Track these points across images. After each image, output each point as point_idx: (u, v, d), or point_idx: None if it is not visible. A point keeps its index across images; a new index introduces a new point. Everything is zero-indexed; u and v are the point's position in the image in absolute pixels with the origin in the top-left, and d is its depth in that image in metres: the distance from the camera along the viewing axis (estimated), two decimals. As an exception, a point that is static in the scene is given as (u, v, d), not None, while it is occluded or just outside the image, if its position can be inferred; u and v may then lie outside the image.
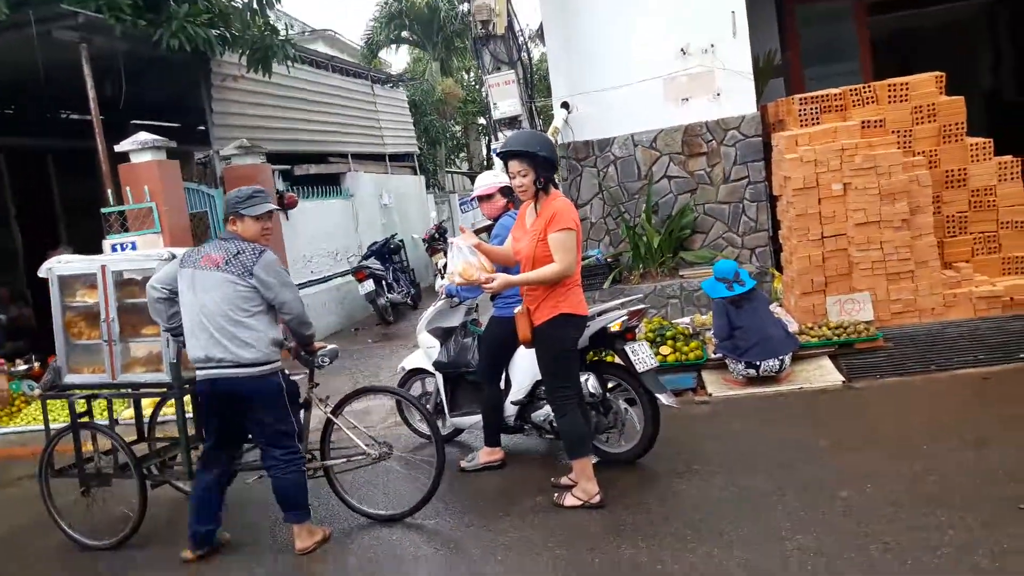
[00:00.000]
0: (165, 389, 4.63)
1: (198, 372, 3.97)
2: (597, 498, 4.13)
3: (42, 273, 4.79)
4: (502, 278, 3.96)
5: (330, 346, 4.47)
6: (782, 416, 5.25)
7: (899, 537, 3.36)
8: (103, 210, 8.08)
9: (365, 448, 4.32)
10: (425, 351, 5.44)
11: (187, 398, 4.50)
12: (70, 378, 4.76)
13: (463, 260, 4.06)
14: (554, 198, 4.13)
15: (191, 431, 4.58)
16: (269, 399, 3.97)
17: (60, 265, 4.77)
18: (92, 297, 4.69)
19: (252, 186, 4.29)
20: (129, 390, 4.78)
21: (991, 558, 3.10)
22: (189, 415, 4.57)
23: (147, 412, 5.17)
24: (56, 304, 4.75)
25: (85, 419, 4.66)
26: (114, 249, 7.82)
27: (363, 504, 4.49)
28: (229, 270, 3.87)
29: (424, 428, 5.69)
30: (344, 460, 4.42)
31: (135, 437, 4.91)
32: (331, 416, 4.40)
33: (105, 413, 4.84)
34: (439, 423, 5.59)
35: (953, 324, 6.12)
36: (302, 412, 4.35)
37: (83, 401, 4.63)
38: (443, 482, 4.80)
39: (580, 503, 4.14)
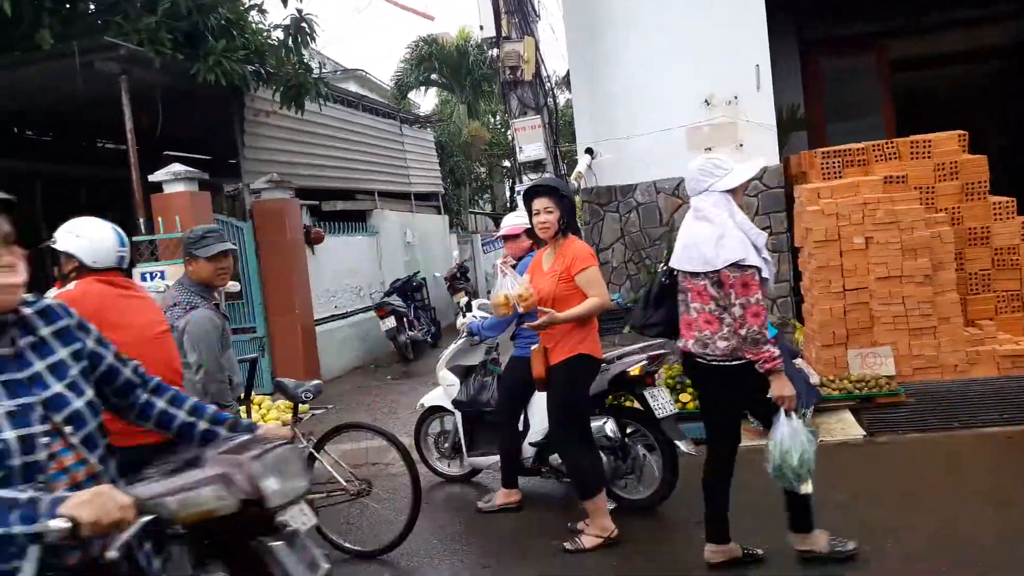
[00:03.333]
0: None
1: None
2: (614, 533, 4.16)
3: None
4: (549, 315, 4.02)
5: (314, 381, 4.56)
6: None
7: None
8: (134, 239, 8.24)
9: (344, 484, 4.38)
10: (445, 389, 5.48)
11: None
12: None
13: (520, 282, 4.13)
14: (573, 241, 4.26)
15: None
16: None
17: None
18: None
19: (206, 225, 4.28)
20: None
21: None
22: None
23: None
24: None
25: None
26: (143, 278, 7.96)
27: (343, 539, 4.53)
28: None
29: (441, 466, 5.72)
30: (324, 495, 4.44)
31: None
32: (313, 451, 4.44)
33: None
34: (458, 462, 5.63)
35: (976, 382, 6.09)
36: None
37: None
38: (459, 522, 4.84)
39: (600, 540, 4.15)
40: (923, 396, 5.99)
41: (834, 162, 7.14)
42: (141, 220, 8.36)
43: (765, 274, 3.51)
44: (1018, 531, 3.86)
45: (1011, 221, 6.72)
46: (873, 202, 6.38)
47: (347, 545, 4.50)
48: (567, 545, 4.22)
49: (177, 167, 8.37)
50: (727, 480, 3.75)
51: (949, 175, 6.86)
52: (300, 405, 4.64)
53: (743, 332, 3.41)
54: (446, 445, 5.65)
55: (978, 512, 4.14)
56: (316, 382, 4.64)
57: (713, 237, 3.48)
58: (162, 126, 8.74)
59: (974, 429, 5.57)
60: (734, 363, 3.52)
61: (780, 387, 3.44)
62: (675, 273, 3.75)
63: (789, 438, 3.42)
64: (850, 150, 7.17)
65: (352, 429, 4.81)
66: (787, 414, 3.46)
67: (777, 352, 3.41)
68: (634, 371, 4.64)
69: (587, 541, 4.19)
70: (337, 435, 4.59)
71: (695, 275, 3.58)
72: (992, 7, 9.33)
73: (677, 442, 4.50)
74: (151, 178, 8.33)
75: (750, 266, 3.43)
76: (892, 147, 7.07)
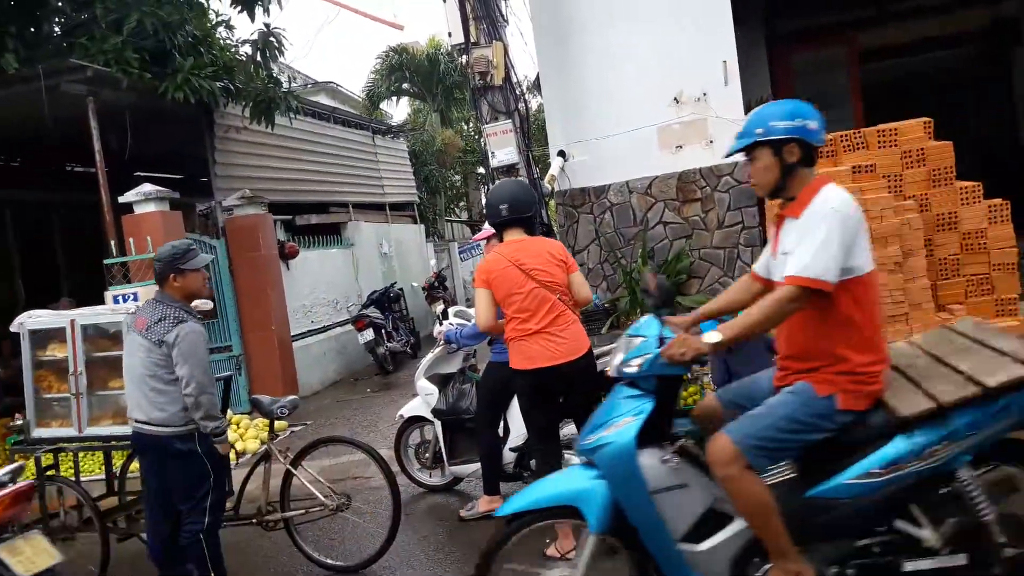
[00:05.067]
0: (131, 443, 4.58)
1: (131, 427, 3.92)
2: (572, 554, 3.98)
3: (14, 328, 4.85)
4: None
5: (290, 397, 4.55)
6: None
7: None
8: (106, 261, 8.16)
9: (323, 499, 4.36)
10: (423, 398, 5.46)
11: None
12: (38, 432, 4.77)
13: None
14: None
15: None
16: (179, 461, 3.85)
17: (31, 320, 4.83)
18: (62, 351, 4.72)
19: (180, 240, 4.33)
20: (98, 443, 4.76)
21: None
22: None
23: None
24: (26, 358, 4.81)
25: (51, 473, 4.65)
26: (116, 300, 7.87)
27: (323, 555, 4.50)
28: (147, 336, 3.79)
29: (423, 477, 5.69)
30: (303, 512, 4.42)
31: (105, 491, 4.90)
32: (290, 468, 4.42)
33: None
34: (439, 471, 5.60)
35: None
36: (261, 464, 4.44)
37: (49, 455, 4.63)
38: (442, 532, 4.82)
39: (558, 555, 4.06)
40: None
41: (803, 155, 7.19)
42: (112, 242, 8.28)
43: None
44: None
45: (978, 205, 6.78)
46: (842, 193, 6.42)
47: (328, 561, 4.48)
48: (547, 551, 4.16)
49: (148, 187, 8.31)
50: None
51: (916, 162, 6.92)
52: (277, 421, 4.61)
53: None
54: (427, 455, 5.62)
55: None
56: (292, 397, 4.62)
57: None
58: (131, 146, 8.68)
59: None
60: None
61: None
62: None
63: None
64: (818, 142, 7.21)
65: (330, 443, 4.77)
66: None
67: None
68: (610, 370, 4.63)
69: (549, 551, 4.12)
70: (314, 450, 4.56)
71: None
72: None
73: (657, 440, 4.48)
74: (121, 199, 8.26)
75: None
76: (859, 137, 7.12)
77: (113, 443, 4.69)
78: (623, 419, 2.91)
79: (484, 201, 4.52)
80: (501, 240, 4.38)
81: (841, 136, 7.18)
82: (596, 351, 4.78)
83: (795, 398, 2.82)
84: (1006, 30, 10.04)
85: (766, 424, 2.79)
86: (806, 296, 2.74)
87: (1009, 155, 10.82)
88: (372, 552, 4.39)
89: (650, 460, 2.85)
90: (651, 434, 2.90)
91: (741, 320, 2.85)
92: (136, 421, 3.89)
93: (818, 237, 2.78)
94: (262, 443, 5.89)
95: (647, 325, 3.09)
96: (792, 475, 2.87)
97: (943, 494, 2.76)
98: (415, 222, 16.71)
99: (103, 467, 5.07)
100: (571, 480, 3.04)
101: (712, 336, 2.77)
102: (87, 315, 4.84)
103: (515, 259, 4.06)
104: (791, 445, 2.81)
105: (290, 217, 11.48)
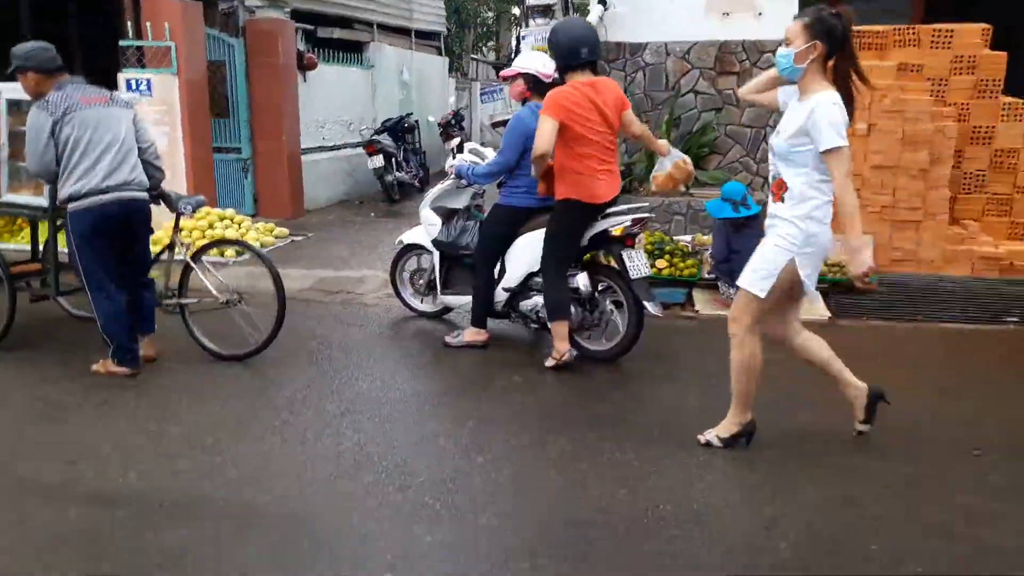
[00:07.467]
0: (42, 212, 4.93)
1: (107, 196, 4.21)
2: (564, 357, 4.59)
3: None
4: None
5: (197, 196, 4.86)
6: (764, 340, 5.33)
7: (855, 467, 3.51)
8: (121, 43, 7.95)
9: (215, 293, 4.66)
10: (426, 227, 5.48)
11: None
12: None
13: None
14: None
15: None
16: (149, 220, 4.53)
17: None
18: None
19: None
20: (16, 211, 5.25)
21: (939, 498, 3.25)
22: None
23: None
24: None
25: None
26: (128, 85, 7.74)
27: (209, 341, 4.79)
28: (120, 105, 4.39)
29: (414, 302, 5.82)
30: (196, 300, 4.75)
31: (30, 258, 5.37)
32: (190, 261, 4.71)
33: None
34: (431, 299, 5.72)
35: (948, 279, 6.18)
36: (165, 253, 4.81)
37: None
38: (427, 352, 5.00)
39: (556, 360, 4.61)
40: (894, 287, 6.08)
41: (850, 42, 6.89)
42: (129, 23, 8.03)
43: None
44: (952, 418, 4.03)
45: (1018, 123, 6.59)
46: (882, 89, 6.21)
47: (212, 347, 4.78)
48: (547, 363, 4.67)
49: (170, -30, 7.95)
50: None
51: (966, 69, 6.66)
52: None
53: None
54: (421, 282, 5.73)
55: (919, 399, 4.29)
56: (199, 197, 4.89)
57: None
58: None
59: (936, 323, 5.69)
60: None
61: None
62: None
63: None
64: (868, 32, 6.90)
65: (224, 244, 5.63)
66: None
67: None
68: (616, 231, 4.65)
69: (555, 353, 4.63)
70: (211, 248, 5.05)
71: None
72: None
73: (645, 303, 4.58)
74: (142, -21, 7.92)
75: None
76: (912, 33, 6.81)
77: (25, 211, 5.14)
78: None
79: (553, 39, 4.45)
80: (531, 87, 4.72)
81: (894, 30, 6.86)
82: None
83: None
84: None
85: None
86: None
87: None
88: (253, 347, 4.69)
89: None
90: None
91: None
92: (138, 188, 4.35)
93: None
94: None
95: None
96: None
97: None
98: (440, 54, 16.17)
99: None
100: None
101: None
102: (11, 91, 5.01)
103: (592, 98, 4.33)
104: None
105: (312, 28, 11.06)
